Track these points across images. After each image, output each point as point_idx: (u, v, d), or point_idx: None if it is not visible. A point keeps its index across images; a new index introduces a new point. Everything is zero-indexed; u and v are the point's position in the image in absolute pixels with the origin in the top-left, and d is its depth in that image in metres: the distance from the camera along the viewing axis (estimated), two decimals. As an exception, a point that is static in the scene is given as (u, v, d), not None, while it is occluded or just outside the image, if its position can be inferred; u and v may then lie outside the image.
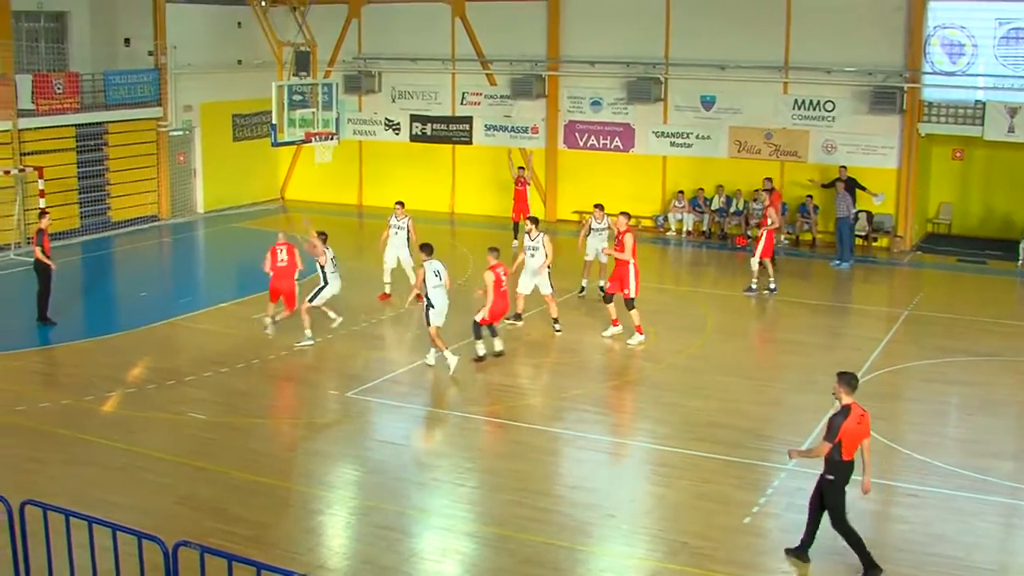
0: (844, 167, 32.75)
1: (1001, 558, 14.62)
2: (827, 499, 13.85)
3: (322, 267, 23.64)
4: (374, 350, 23.30)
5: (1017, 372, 22.25)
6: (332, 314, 23.67)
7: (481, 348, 22.08)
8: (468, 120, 39.57)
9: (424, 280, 21.58)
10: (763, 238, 27.62)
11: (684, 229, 36.20)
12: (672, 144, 36.65)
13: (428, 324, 21.57)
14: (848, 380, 13.93)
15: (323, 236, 23.86)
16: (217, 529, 14.53)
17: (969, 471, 16.83)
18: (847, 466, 13.72)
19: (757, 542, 14.73)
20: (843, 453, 13.64)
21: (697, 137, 36.23)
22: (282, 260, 23.57)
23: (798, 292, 28.57)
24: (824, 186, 33.26)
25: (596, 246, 26.86)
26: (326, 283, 23.59)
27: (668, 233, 36.23)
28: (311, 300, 23.56)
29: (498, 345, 22.35)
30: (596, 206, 27.31)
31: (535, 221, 24.75)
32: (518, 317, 24.72)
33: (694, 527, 14.96)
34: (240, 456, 17.34)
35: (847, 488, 13.81)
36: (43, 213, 25.32)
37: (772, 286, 27.78)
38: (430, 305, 21.52)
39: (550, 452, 18.08)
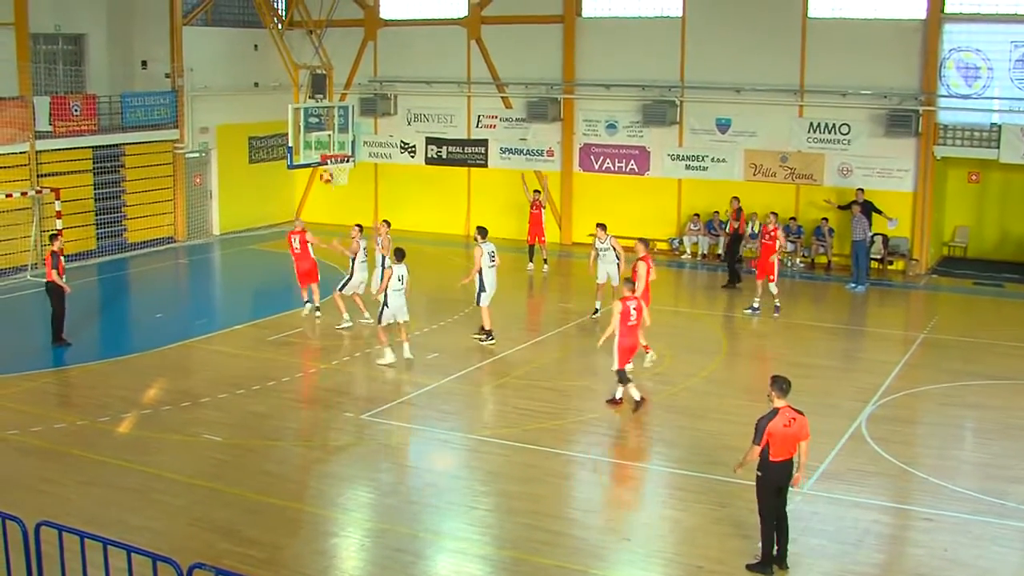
0: (861, 190, 32.76)
1: (1016, 583, 14.58)
2: (757, 492, 14.37)
3: (352, 257, 25.97)
4: (389, 372, 23.29)
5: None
6: (346, 315, 24.52)
7: (635, 392, 20.68)
8: (483, 143, 39.66)
9: (389, 281, 23.04)
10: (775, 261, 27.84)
11: (699, 252, 36.22)
12: (687, 167, 36.69)
13: (379, 321, 23.22)
14: (780, 384, 14.56)
15: (359, 228, 26.43)
16: (231, 551, 14.52)
17: (986, 495, 16.74)
18: (775, 466, 14.15)
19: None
20: (771, 453, 14.12)
21: (712, 160, 36.25)
22: (296, 248, 27.03)
23: (814, 315, 28.54)
24: (841, 208, 33.22)
25: (606, 268, 26.84)
26: (351, 274, 26.01)
27: (683, 256, 36.23)
28: (340, 289, 26.16)
29: (620, 393, 20.91)
30: (598, 225, 27.41)
31: (483, 232, 25.55)
32: (489, 334, 24.86)
33: (709, 551, 14.90)
34: (254, 478, 17.34)
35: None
36: (55, 236, 25.38)
37: (755, 306, 28.26)
38: (385, 304, 23.10)
39: (564, 475, 18.05)
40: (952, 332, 26.23)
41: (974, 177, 35.21)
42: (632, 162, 37.47)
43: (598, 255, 26.92)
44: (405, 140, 41.09)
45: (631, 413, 20.38)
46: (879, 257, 33.97)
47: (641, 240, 24.25)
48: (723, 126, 35.98)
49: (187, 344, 25.25)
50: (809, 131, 34.81)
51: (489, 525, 15.91)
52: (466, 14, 39.31)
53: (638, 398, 20.59)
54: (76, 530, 11.44)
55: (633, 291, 21.04)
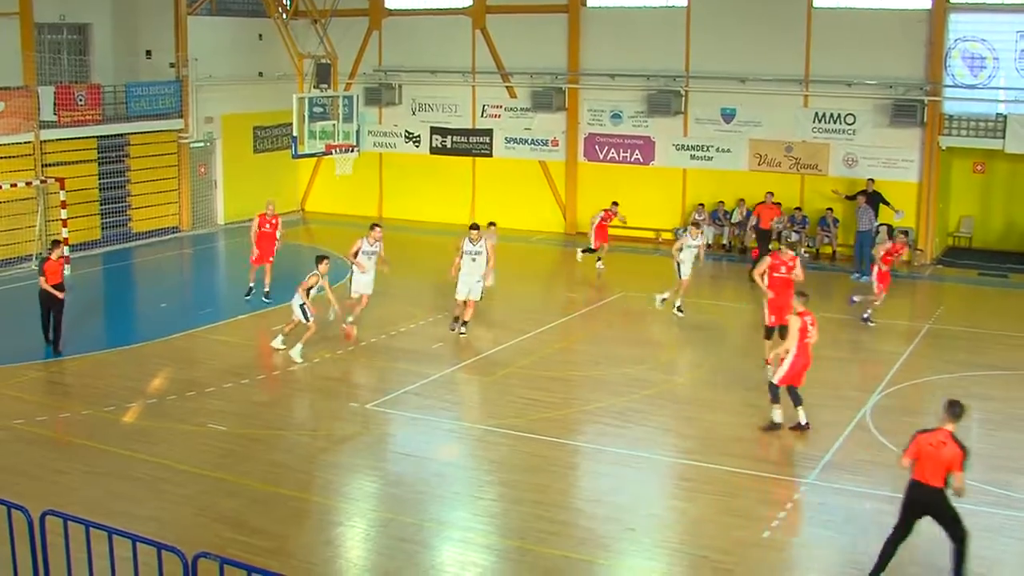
0: (871, 180, 32.74)
1: (1019, 574, 14.53)
2: None
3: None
4: (394, 362, 23.27)
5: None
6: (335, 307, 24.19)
7: (778, 415, 19.17)
8: (488, 132, 39.62)
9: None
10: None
11: (704, 242, 36.16)
12: (692, 157, 36.64)
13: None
14: (951, 408, 13.96)
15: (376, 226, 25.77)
16: (236, 540, 14.51)
17: (991, 486, 16.68)
18: (913, 485, 13.63)
19: (776, 557, 14.64)
20: (915, 470, 13.59)
21: (717, 150, 36.21)
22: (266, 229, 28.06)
23: (819, 306, 28.36)
24: (848, 198, 33.18)
25: (688, 261, 26.75)
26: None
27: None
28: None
29: (803, 417, 19.11)
30: (693, 224, 27.34)
31: (476, 228, 24.77)
32: (463, 324, 24.70)
33: (715, 541, 14.88)
34: (260, 467, 17.33)
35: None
36: (56, 243, 24.67)
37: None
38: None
39: (570, 465, 18.05)
40: (957, 323, 26.19)
41: (979, 167, 35.16)
42: (637, 152, 37.42)
43: (683, 248, 26.61)
44: (410, 130, 41.06)
45: (762, 430, 19.09)
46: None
47: (789, 248, 23.05)
48: (728, 116, 35.92)
49: (192, 334, 25.24)
50: (814, 121, 34.75)
51: (494, 515, 15.90)
52: (471, 3, 39.23)
53: (777, 420, 19.07)
54: (81, 519, 11.43)
55: (806, 305, 19.46)
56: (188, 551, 10.61)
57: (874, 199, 32.18)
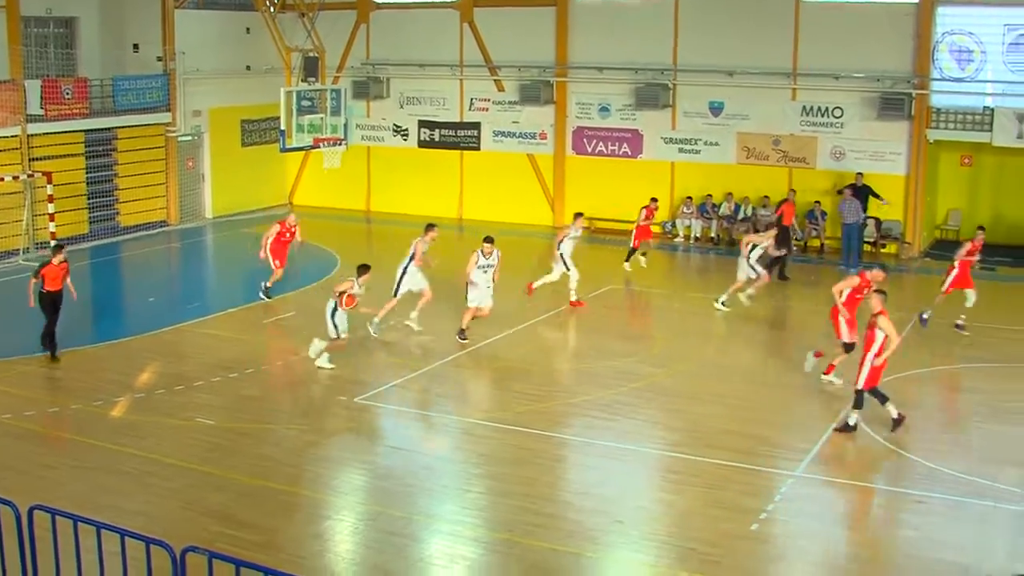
0: (860, 174, 32.82)
1: (1010, 565, 14.56)
2: None
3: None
4: (382, 356, 23.29)
5: (1016, 377, 22.28)
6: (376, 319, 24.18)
7: (854, 417, 18.71)
8: (476, 126, 39.60)
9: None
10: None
11: (692, 235, 36.22)
12: (680, 150, 36.65)
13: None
14: None
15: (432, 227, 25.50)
16: (225, 534, 14.53)
17: (978, 478, 16.77)
18: None
19: (764, 549, 14.70)
20: None
21: (705, 143, 36.22)
22: (285, 237, 27.39)
23: (807, 299, 28.54)
24: (839, 192, 33.16)
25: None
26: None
27: (676, 239, 36.23)
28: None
29: (894, 410, 18.74)
30: (766, 227, 27.67)
31: (491, 240, 24.09)
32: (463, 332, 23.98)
33: (702, 534, 14.93)
34: (248, 461, 17.34)
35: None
36: (59, 247, 23.55)
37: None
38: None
39: (557, 458, 18.08)
40: (945, 315, 26.18)
41: (967, 160, 35.23)
42: (625, 145, 37.44)
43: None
44: (398, 123, 41.01)
45: (891, 432, 18.53)
46: (872, 240, 34.02)
47: (880, 267, 21.90)
48: (716, 109, 35.95)
49: (180, 328, 25.22)
50: (802, 114, 34.78)
51: (482, 508, 15.93)
52: (459, -3, 39.29)
53: (896, 416, 18.67)
54: (69, 514, 11.44)
55: (884, 303, 19.03)
56: (176, 545, 10.63)
57: (862, 192, 32.24)
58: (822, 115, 34.57)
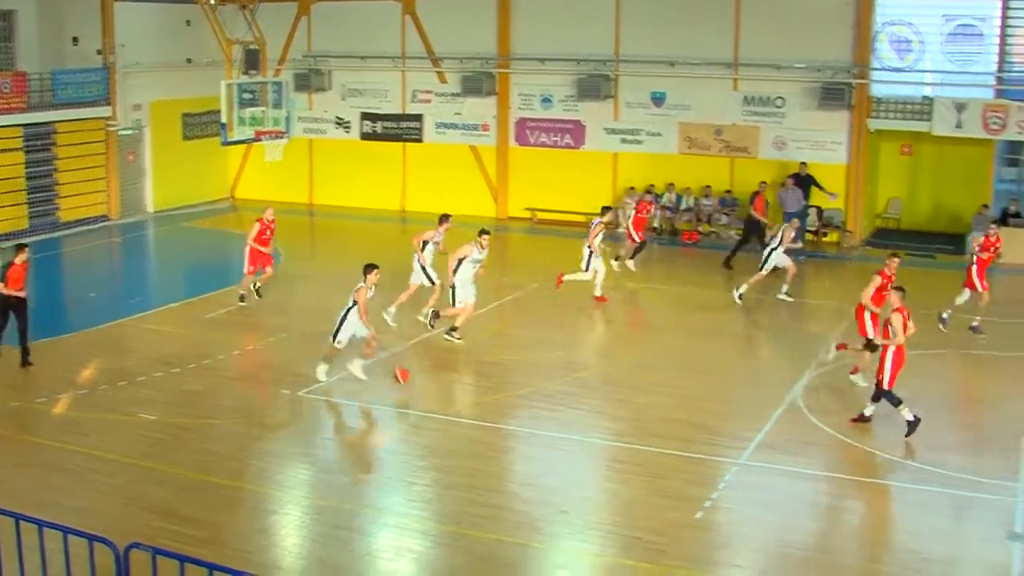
0: (804, 164, 33.03)
1: (954, 550, 14.76)
2: None
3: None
4: (326, 349, 23.17)
5: (967, 365, 22.55)
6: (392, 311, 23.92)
7: (907, 412, 18.18)
8: (419, 118, 39.51)
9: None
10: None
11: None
12: (623, 141, 36.75)
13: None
14: None
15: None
16: (169, 530, 14.43)
17: (922, 464, 17.02)
18: None
19: (709, 537, 14.80)
20: None
21: (647, 134, 36.33)
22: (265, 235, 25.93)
23: (751, 288, 28.68)
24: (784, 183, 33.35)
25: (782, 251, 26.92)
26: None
27: (619, 230, 36.29)
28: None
29: (909, 413, 18.20)
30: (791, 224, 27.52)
31: (487, 233, 23.70)
32: (453, 329, 23.47)
33: (647, 522, 15.00)
34: (192, 456, 17.24)
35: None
36: (21, 247, 22.44)
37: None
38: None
39: (503, 449, 18.11)
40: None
41: (907, 149, 35.56)
42: (568, 136, 37.49)
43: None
44: (340, 115, 40.83)
45: (906, 437, 18.09)
46: (813, 229, 34.25)
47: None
48: (658, 100, 36.07)
49: (122, 323, 25.02)
50: (744, 104, 34.97)
51: (429, 500, 15.93)
52: (400, -12, 39.18)
53: (911, 418, 18.16)
54: (11, 512, 11.32)
55: (903, 300, 18.63)
56: (119, 542, 10.55)
57: (805, 182, 32.44)
58: (764, 105, 34.78)
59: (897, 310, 18.36)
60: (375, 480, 16.62)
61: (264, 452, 17.71)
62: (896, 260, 21.38)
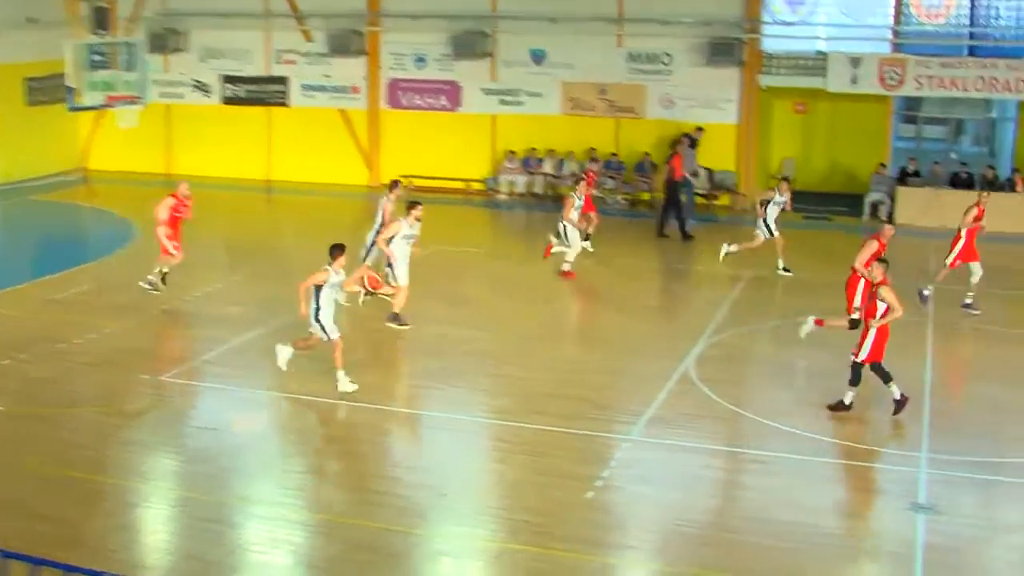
0: (701, 129, 33.29)
1: (856, 524, 15.16)
2: None
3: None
4: (189, 329, 22.98)
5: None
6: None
7: (850, 396, 18.19)
8: (283, 80, 39.12)
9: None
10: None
11: (516, 191, 36.42)
12: (502, 102, 36.79)
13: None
14: None
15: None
16: (21, 529, 14.18)
17: (817, 435, 17.35)
18: None
19: (600, 517, 14.94)
20: None
21: (528, 94, 36.40)
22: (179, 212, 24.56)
23: (638, 255, 28.96)
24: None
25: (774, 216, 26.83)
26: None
27: (499, 196, 36.41)
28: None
29: (896, 391, 18.14)
30: (783, 178, 27.53)
31: (419, 205, 22.95)
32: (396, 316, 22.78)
33: (535, 504, 15.09)
34: (46, 449, 16.94)
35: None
36: None
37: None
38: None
39: (382, 432, 18.09)
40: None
41: (800, 107, 36.10)
42: (443, 97, 37.44)
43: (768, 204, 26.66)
44: (199, 78, 40.27)
45: (893, 415, 18.07)
46: (704, 192, 34.61)
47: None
48: (538, 58, 36.15)
49: (-37, 307, 24.53)
50: (629, 62, 35.20)
51: (303, 488, 15.87)
52: (261, -59, 38.75)
53: (898, 397, 18.08)
54: None
55: (885, 272, 18.28)
56: (-32, 542, 10.39)
57: (691, 143, 32.69)
58: (650, 62, 35.03)
59: (882, 283, 18.04)
60: (246, 469, 16.50)
61: (125, 441, 17.46)
62: (891, 229, 21.53)
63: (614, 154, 35.44)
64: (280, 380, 20.02)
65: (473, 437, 17.90)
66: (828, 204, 34.15)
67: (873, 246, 21.03)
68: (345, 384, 18.93)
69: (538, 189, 36.25)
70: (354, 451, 17.00)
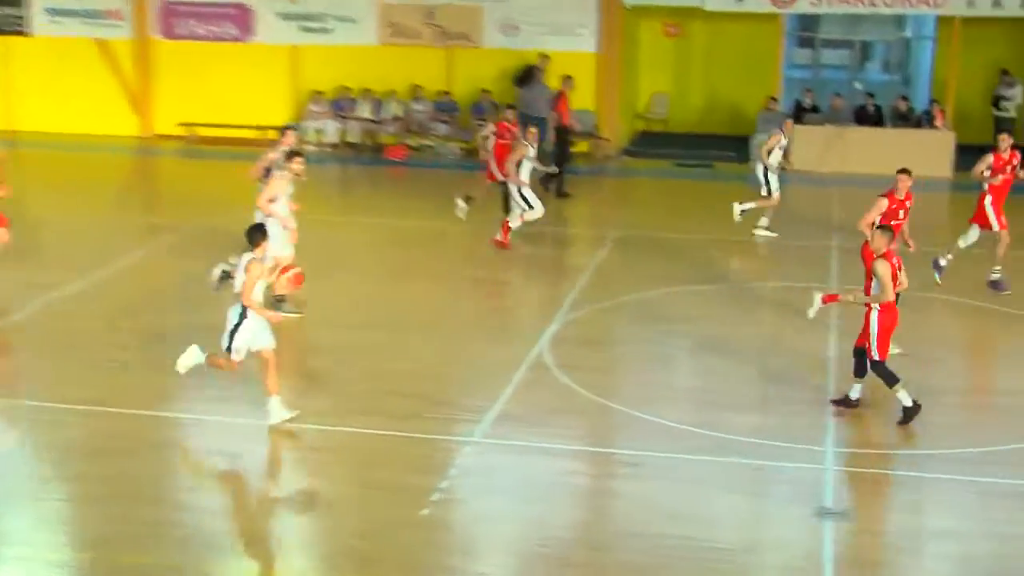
0: (546, 56, 33.33)
1: (753, 535, 15.21)
2: None
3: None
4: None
5: (754, 301, 23.36)
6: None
7: (907, 395, 17.79)
8: (20, 2, 38.32)
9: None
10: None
11: (326, 141, 36.26)
12: (304, 29, 36.59)
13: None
14: None
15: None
16: None
17: (702, 428, 17.49)
18: None
19: (440, 537, 14.93)
20: None
21: (337, 19, 36.24)
22: None
23: (478, 217, 29.03)
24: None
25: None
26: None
27: (306, 147, 36.16)
28: None
29: (856, 391, 18.27)
30: (789, 117, 27.68)
31: (300, 155, 22.19)
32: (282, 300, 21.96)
33: (359, 525, 15.06)
34: None
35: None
36: None
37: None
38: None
39: (163, 444, 17.80)
40: (652, 227, 27.15)
41: (672, 30, 36.47)
42: (230, 24, 37.08)
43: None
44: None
45: (899, 424, 17.84)
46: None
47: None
48: (349, -26, 36.03)
49: None
50: (461, -23, 35.28)
51: (65, 520, 15.57)
52: None
53: (909, 403, 17.75)
54: None
55: (891, 243, 17.88)
56: None
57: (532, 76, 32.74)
58: (487, -22, 35.08)
59: (884, 256, 17.68)
60: (-12, 497, 16.27)
61: None
62: (908, 179, 20.87)
63: (446, 92, 35.48)
64: (29, 387, 19.68)
65: (281, 446, 17.73)
66: (709, 148, 34.56)
67: (882, 205, 20.64)
68: (277, 414, 17.68)
69: (353, 138, 36.15)
70: (126, 470, 16.71)
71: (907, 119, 33.50)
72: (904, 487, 16.50)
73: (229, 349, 17.55)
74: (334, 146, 36.20)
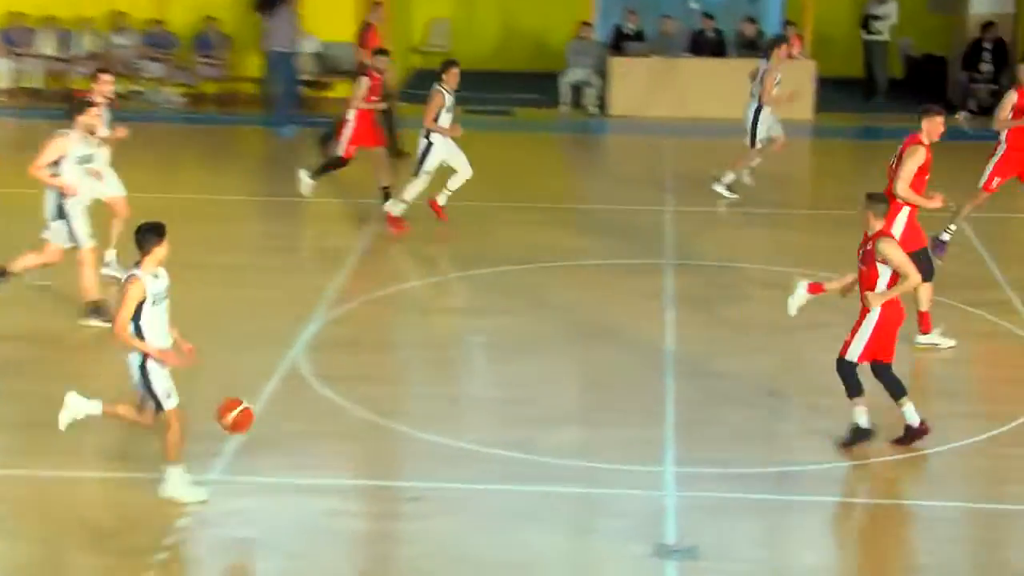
0: None
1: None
2: None
3: None
4: None
5: (572, 284, 23.51)
6: None
7: (864, 416, 17.23)
8: None
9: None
10: None
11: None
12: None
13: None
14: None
15: None
16: None
17: (509, 450, 17.39)
18: None
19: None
20: None
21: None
22: None
23: (216, 185, 28.76)
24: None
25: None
26: None
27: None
28: None
29: (915, 417, 17.37)
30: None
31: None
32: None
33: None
34: None
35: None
36: None
37: None
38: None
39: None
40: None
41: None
42: None
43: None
44: None
45: (897, 442, 17.50)
46: (311, 79, 34.52)
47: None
48: None
49: None
50: None
51: None
52: None
53: (863, 424, 17.21)
54: None
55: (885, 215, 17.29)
56: None
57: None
58: None
59: (884, 233, 17.13)
60: None
61: None
62: (937, 118, 19.61)
63: (158, 22, 35.03)
64: None
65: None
66: (507, 91, 34.58)
67: (919, 156, 19.46)
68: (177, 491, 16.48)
69: (34, 82, 35.51)
70: None
71: (755, 47, 33.73)
72: (763, 514, 16.46)
73: (160, 407, 16.29)
74: (9, 92, 35.53)
